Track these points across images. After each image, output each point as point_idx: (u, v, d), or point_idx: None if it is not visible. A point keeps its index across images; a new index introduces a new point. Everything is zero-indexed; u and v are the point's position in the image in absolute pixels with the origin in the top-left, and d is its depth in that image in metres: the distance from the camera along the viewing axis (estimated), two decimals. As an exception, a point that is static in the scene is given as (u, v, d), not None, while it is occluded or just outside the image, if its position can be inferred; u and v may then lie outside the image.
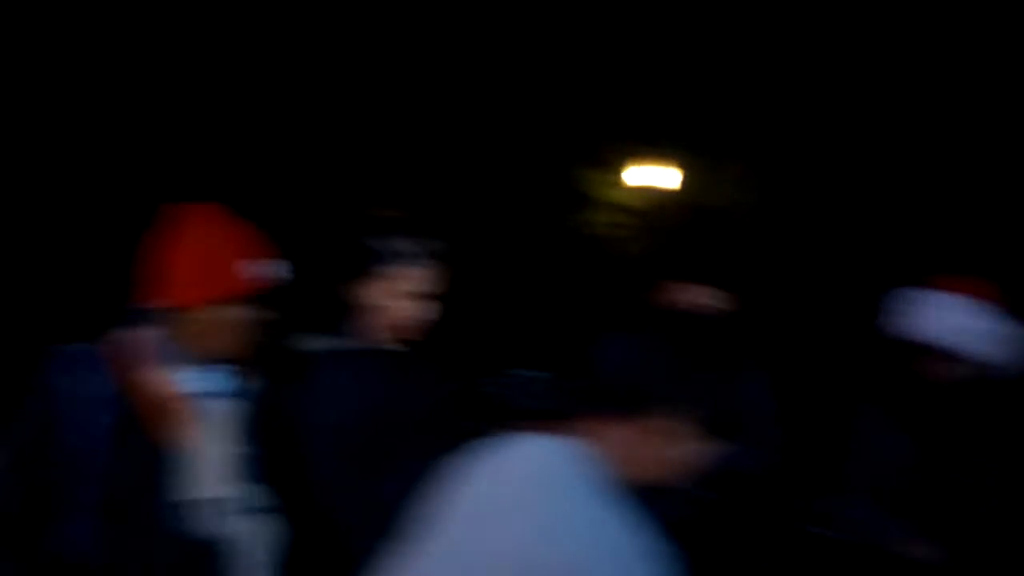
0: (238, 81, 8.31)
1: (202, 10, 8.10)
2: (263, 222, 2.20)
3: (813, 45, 9.35)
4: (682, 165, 10.62)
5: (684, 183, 10.72)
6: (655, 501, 1.46)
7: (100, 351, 2.08)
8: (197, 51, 8.07)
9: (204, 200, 2.19)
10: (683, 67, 9.90)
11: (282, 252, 2.18)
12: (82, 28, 7.56)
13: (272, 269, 2.15)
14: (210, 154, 7.99)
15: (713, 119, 10.09)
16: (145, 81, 7.88)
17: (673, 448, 1.48)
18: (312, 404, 2.38)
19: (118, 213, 6.73)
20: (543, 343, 8.35)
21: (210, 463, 2.08)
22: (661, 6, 9.74)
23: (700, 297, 2.71)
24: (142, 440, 2.05)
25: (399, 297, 2.41)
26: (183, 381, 2.08)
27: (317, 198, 8.04)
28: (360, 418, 2.41)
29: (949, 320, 2.73)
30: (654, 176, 10.68)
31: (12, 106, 7.30)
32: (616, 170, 10.98)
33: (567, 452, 1.49)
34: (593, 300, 9.34)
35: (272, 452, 2.21)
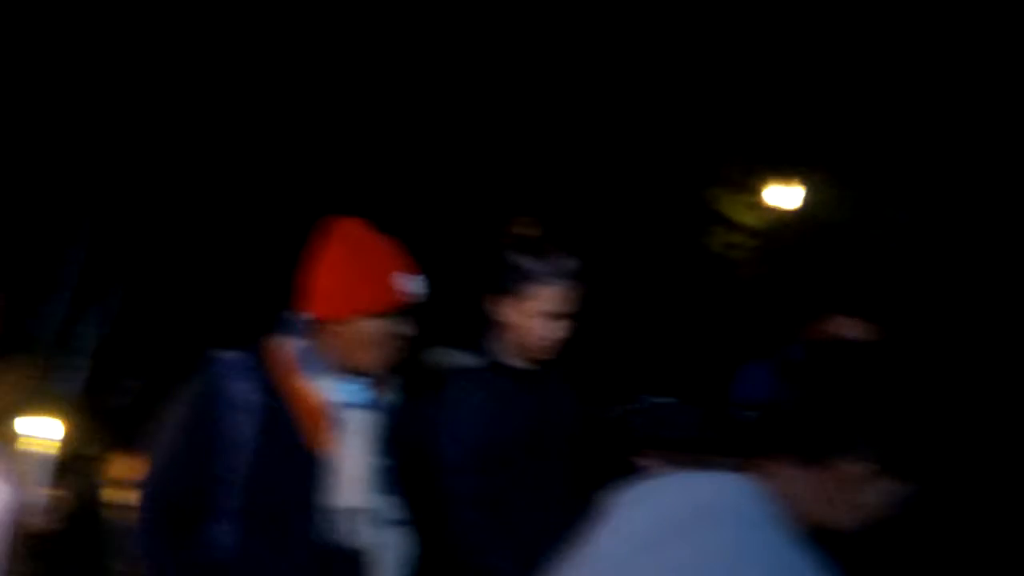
0: (384, 100, 8.54)
1: (350, 38, 8.39)
2: (406, 237, 2.23)
3: (954, 60, 8.98)
4: (816, 185, 10.34)
5: (820, 204, 10.42)
6: (833, 547, 1.38)
7: (254, 358, 2.13)
8: (344, 76, 8.35)
9: (353, 214, 2.24)
10: (820, 87, 9.64)
11: (422, 268, 2.20)
12: (240, 52, 7.92)
13: (415, 284, 2.17)
14: (361, 168, 8.22)
15: (853, 139, 9.78)
16: (304, 103, 8.20)
17: (855, 492, 1.39)
18: (447, 420, 2.40)
19: (280, 224, 7.00)
20: (672, 366, 8.22)
21: (351, 473, 2.10)
22: (792, 27, 9.55)
23: (849, 328, 2.61)
24: (291, 447, 2.09)
25: (535, 316, 2.41)
26: (329, 390, 2.12)
27: (456, 215, 8.17)
28: (494, 436, 2.41)
29: None
30: (788, 197, 10.43)
31: (178, 123, 7.68)
32: (750, 191, 10.77)
33: (745, 489, 1.41)
34: (727, 325, 9.15)
35: (407, 465, 2.23)
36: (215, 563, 2.07)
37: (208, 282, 7.25)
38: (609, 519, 1.46)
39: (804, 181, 10.45)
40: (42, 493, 1.95)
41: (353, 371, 2.14)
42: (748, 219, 10.77)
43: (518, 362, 2.48)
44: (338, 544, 2.07)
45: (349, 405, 2.14)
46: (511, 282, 2.42)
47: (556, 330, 2.43)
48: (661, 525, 1.38)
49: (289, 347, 2.15)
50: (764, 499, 1.38)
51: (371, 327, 2.12)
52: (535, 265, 2.41)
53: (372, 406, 2.18)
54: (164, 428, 2.14)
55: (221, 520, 2.08)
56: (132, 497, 2.19)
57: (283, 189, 7.94)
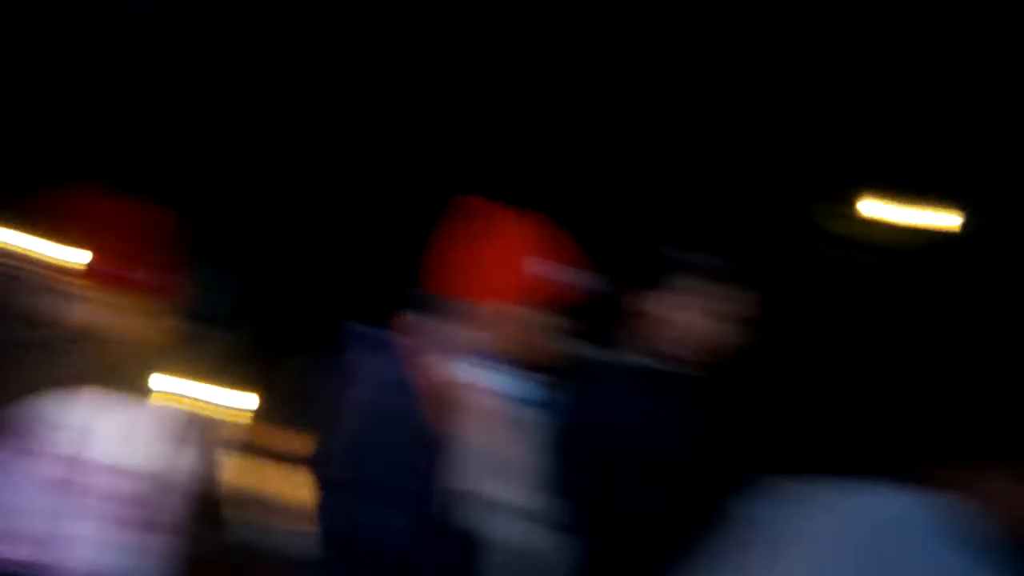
0: (534, 83, 8.49)
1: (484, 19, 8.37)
2: (567, 228, 2.19)
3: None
4: (916, 200, 10.13)
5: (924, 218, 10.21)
6: None
7: (389, 334, 2.12)
8: (498, 57, 8.33)
9: (506, 197, 2.21)
10: (940, 99, 9.37)
11: (586, 260, 2.16)
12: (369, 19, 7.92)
13: (572, 276, 2.13)
14: (515, 155, 8.18)
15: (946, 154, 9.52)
16: (435, 78, 8.18)
17: None
18: (579, 418, 2.34)
19: (414, 199, 7.01)
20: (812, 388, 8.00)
21: (484, 459, 2.08)
22: (893, 46, 9.35)
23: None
24: (419, 425, 2.07)
25: (691, 311, 2.34)
26: (466, 374, 2.09)
27: (611, 208, 8.08)
28: (619, 437, 2.34)
29: None
30: (892, 211, 10.28)
31: (318, 94, 7.72)
32: (853, 204, 10.61)
33: (926, 505, 1.34)
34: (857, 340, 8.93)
35: (551, 462, 2.19)
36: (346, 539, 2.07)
37: (341, 257, 7.28)
38: (771, 534, 1.40)
39: (908, 197, 10.24)
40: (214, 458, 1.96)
41: (495, 357, 2.12)
42: (852, 232, 10.57)
43: (666, 360, 2.41)
44: (465, 528, 2.05)
45: (486, 390, 2.11)
46: (672, 275, 2.36)
47: (718, 331, 2.36)
48: (842, 544, 1.32)
49: (427, 326, 2.13)
50: (953, 515, 1.32)
51: (516, 314, 2.09)
52: (698, 259, 2.35)
53: (511, 394, 2.15)
54: (299, 401, 2.15)
55: (360, 498, 2.07)
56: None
57: (401, 166, 7.93)
